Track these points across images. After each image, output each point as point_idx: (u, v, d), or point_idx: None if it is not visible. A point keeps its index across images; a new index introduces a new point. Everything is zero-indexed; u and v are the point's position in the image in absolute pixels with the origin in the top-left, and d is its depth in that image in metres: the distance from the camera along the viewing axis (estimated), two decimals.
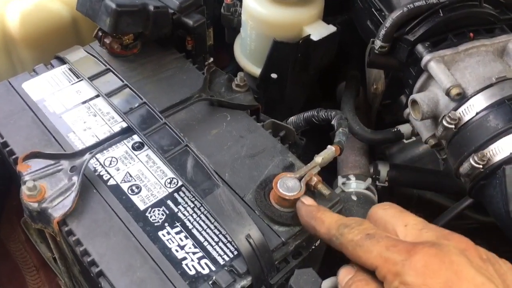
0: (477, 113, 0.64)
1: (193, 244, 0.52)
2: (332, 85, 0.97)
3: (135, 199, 0.55)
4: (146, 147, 0.59)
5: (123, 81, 0.63)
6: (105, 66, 0.65)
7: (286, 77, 0.77)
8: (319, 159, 0.57)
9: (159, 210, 0.54)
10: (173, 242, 0.52)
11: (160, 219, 0.54)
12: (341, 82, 0.95)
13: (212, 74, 0.67)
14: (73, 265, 0.64)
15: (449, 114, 0.64)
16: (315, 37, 0.73)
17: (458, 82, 0.65)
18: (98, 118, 0.62)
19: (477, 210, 0.88)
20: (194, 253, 0.51)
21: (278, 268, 0.53)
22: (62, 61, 0.68)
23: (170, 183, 0.57)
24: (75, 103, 0.63)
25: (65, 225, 0.53)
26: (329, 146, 0.59)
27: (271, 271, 0.51)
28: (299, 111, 0.73)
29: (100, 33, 0.67)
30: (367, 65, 0.75)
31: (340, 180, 0.80)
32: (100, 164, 0.58)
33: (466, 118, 0.64)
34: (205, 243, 0.52)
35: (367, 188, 0.79)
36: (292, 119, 0.72)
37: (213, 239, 0.52)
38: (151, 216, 0.54)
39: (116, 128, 0.60)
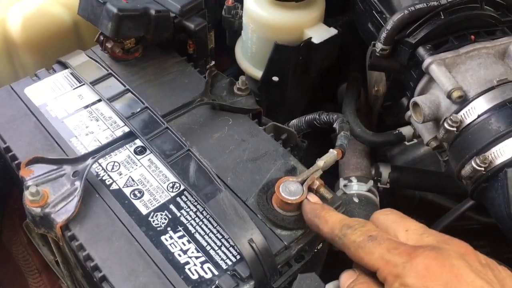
0: (478, 116, 0.64)
1: (195, 249, 0.52)
2: (334, 87, 0.97)
3: (137, 203, 0.55)
4: (148, 151, 0.59)
5: (125, 86, 0.63)
6: (107, 70, 0.65)
7: (287, 80, 0.77)
8: (321, 163, 0.57)
9: (161, 215, 0.54)
10: (176, 247, 0.52)
11: (163, 223, 0.54)
12: (342, 84, 0.95)
13: (214, 78, 0.67)
14: (76, 269, 0.65)
15: (451, 117, 0.64)
16: (316, 40, 0.73)
17: (459, 85, 0.65)
18: (100, 123, 0.62)
19: (478, 211, 0.89)
20: (197, 258, 0.51)
21: (281, 272, 0.53)
22: (64, 65, 0.68)
23: (172, 187, 0.57)
24: (77, 108, 0.64)
25: (68, 230, 0.53)
26: (331, 149, 0.59)
27: (273, 275, 0.51)
28: (301, 114, 0.73)
29: (101, 38, 0.67)
30: (368, 67, 0.75)
31: (342, 182, 0.80)
32: (103, 168, 0.58)
33: (467, 120, 0.64)
34: (208, 248, 0.52)
35: (369, 190, 0.79)
36: (293, 122, 0.72)
37: (215, 243, 0.53)
38: (153, 221, 0.54)
39: (119, 133, 0.61)
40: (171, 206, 0.55)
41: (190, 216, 0.54)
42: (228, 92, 0.66)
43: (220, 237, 0.53)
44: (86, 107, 0.64)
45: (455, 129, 0.64)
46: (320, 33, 0.73)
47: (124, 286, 0.49)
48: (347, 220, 0.48)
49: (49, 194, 0.54)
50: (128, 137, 0.60)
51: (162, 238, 0.53)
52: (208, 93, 0.64)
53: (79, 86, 0.66)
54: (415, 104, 0.69)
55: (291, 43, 0.74)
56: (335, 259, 0.63)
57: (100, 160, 0.58)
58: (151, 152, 0.59)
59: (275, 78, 0.77)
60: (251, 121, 0.64)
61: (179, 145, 0.57)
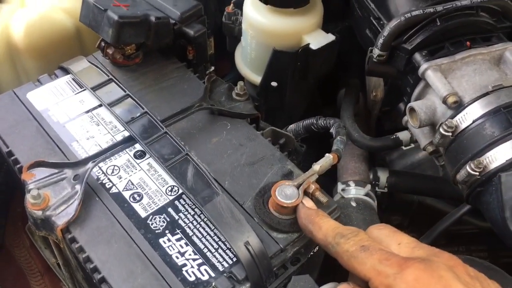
0: (473, 121, 0.64)
1: (193, 251, 0.53)
2: (333, 92, 0.98)
3: (136, 206, 0.56)
4: (147, 155, 0.60)
5: (125, 91, 0.64)
6: (108, 76, 0.66)
7: (286, 85, 0.78)
8: (317, 167, 0.58)
9: (160, 218, 0.55)
10: (174, 249, 0.53)
11: (161, 226, 0.55)
12: (341, 90, 0.96)
13: (213, 83, 0.68)
14: (76, 271, 0.66)
15: (446, 122, 0.65)
16: (314, 46, 0.74)
17: (455, 91, 0.66)
18: (101, 127, 0.63)
19: (476, 215, 0.89)
20: (194, 260, 0.52)
21: (277, 274, 0.54)
22: (66, 71, 0.69)
23: (171, 191, 0.58)
24: (79, 113, 0.65)
25: (68, 233, 0.54)
26: (327, 154, 0.60)
27: (269, 277, 0.52)
28: (299, 119, 0.74)
29: (103, 44, 0.68)
30: (366, 73, 0.76)
31: (340, 186, 0.81)
32: (103, 172, 0.59)
33: (462, 126, 0.65)
34: (205, 250, 0.53)
35: (367, 194, 0.80)
36: (291, 126, 0.73)
37: (212, 246, 0.53)
38: (152, 224, 0.55)
39: (119, 137, 0.62)
40: (170, 209, 0.56)
41: (188, 219, 0.56)
42: (227, 97, 0.67)
43: (217, 239, 0.54)
44: (87, 112, 0.65)
45: (450, 134, 0.65)
46: (318, 39, 0.74)
47: (123, 287, 0.50)
48: (340, 228, 0.49)
49: (50, 197, 0.55)
50: (128, 141, 0.61)
51: (160, 240, 0.54)
52: (207, 98, 0.65)
53: (81, 91, 0.67)
54: (412, 109, 0.70)
55: (290, 49, 0.75)
56: (332, 263, 0.64)
57: (101, 164, 0.59)
58: (150, 156, 0.60)
59: (274, 84, 0.78)
60: (249, 126, 0.65)
61: (177, 149, 0.58)
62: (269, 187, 0.57)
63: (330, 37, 0.75)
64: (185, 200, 0.57)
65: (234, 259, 0.52)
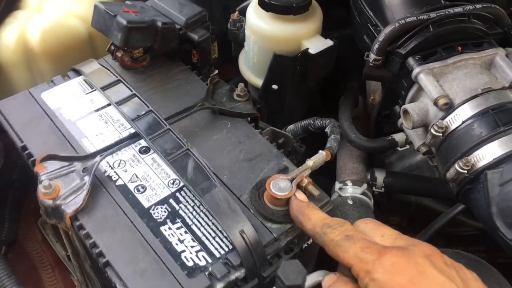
0: (463, 122, 0.67)
1: (192, 239, 0.57)
2: (334, 97, 1.02)
3: (140, 197, 0.60)
4: (152, 151, 0.64)
5: (132, 91, 0.68)
6: (116, 77, 0.71)
7: (286, 88, 0.82)
8: (310, 162, 0.61)
9: (162, 208, 0.59)
10: (174, 237, 0.57)
11: (163, 215, 0.59)
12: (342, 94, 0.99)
13: (215, 85, 0.72)
14: (84, 260, 0.69)
15: (437, 123, 0.68)
16: (312, 50, 0.77)
17: (445, 93, 0.69)
18: (109, 125, 0.67)
19: (472, 216, 0.91)
20: (192, 247, 0.56)
21: (271, 262, 0.57)
22: (78, 73, 0.74)
23: (173, 183, 0.62)
24: (89, 111, 0.69)
25: (76, 220, 0.58)
26: (320, 151, 0.63)
27: (263, 264, 0.56)
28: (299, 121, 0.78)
29: (112, 47, 0.72)
30: (363, 77, 0.79)
31: (337, 185, 0.84)
32: (110, 166, 0.63)
33: (452, 126, 0.68)
34: (203, 238, 0.57)
35: (363, 193, 0.83)
36: (290, 127, 0.77)
37: (210, 234, 0.57)
38: (154, 213, 0.59)
39: (125, 134, 0.66)
40: (171, 201, 0.60)
41: (188, 209, 0.59)
42: (228, 98, 0.71)
43: (214, 229, 0.57)
44: (97, 110, 0.69)
45: (441, 134, 0.68)
46: (316, 44, 0.78)
47: (126, 271, 0.54)
48: (328, 219, 0.53)
49: (61, 188, 0.60)
50: (133, 137, 0.65)
51: (162, 228, 0.57)
52: (209, 99, 0.69)
53: (91, 91, 0.72)
54: (405, 111, 0.73)
55: (290, 53, 0.78)
56: (328, 259, 0.67)
57: (108, 158, 0.63)
58: (154, 152, 0.64)
59: (275, 86, 0.82)
60: (248, 125, 0.69)
61: (179, 144, 0.62)
62: (265, 181, 0.61)
63: (329, 42, 0.79)
64: (185, 193, 0.61)
65: (230, 247, 0.56)
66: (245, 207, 0.59)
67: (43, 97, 0.71)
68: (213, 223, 0.58)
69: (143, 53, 0.73)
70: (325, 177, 0.83)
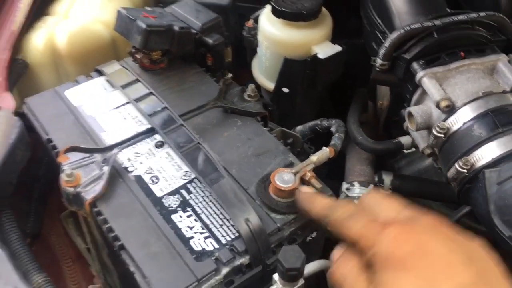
0: (464, 123, 0.70)
1: (200, 226, 0.60)
2: (345, 103, 1.05)
3: (154, 187, 0.64)
4: (166, 145, 0.69)
5: (149, 89, 0.73)
6: (135, 77, 0.76)
7: (296, 92, 0.86)
8: (314, 158, 0.65)
9: (174, 197, 0.63)
10: (184, 224, 0.61)
11: (175, 204, 0.63)
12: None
13: (228, 86, 0.76)
14: (102, 249, 0.74)
15: (439, 124, 0.71)
16: (321, 55, 0.81)
17: (447, 96, 0.72)
18: (127, 121, 0.72)
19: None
20: (201, 233, 0.60)
21: (275, 251, 0.60)
22: (100, 73, 0.79)
23: (184, 175, 0.66)
24: (109, 108, 0.74)
25: (95, 207, 0.63)
26: (324, 147, 0.67)
27: (267, 252, 0.59)
28: None
29: (133, 50, 0.78)
30: (370, 81, 0.83)
31: (345, 185, 0.87)
32: (127, 158, 0.67)
33: (454, 128, 0.71)
34: (211, 226, 0.61)
35: None
36: (299, 127, 0.81)
37: (218, 222, 0.61)
38: (166, 202, 0.63)
39: (142, 129, 0.70)
40: (182, 191, 0.64)
41: (198, 199, 0.63)
42: (239, 98, 0.75)
43: (222, 217, 0.61)
44: (117, 108, 0.74)
45: (442, 135, 0.71)
46: (325, 50, 0.82)
47: (139, 254, 0.58)
48: (332, 202, 0.56)
49: (81, 177, 0.64)
50: (149, 132, 0.70)
51: (173, 216, 0.61)
52: (221, 98, 0.74)
53: (112, 90, 0.77)
54: (410, 114, 0.76)
55: (300, 58, 0.82)
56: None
57: (125, 151, 0.68)
58: (168, 146, 0.68)
59: (285, 90, 0.86)
60: (258, 123, 0.73)
61: (191, 139, 0.66)
62: (270, 174, 0.64)
63: (337, 48, 0.83)
64: (196, 184, 0.65)
65: (236, 235, 0.59)
66: (251, 198, 0.63)
67: (68, 95, 0.76)
68: (221, 213, 0.62)
69: (161, 55, 0.78)
70: (332, 179, 0.86)
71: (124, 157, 0.67)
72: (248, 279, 0.58)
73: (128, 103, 0.74)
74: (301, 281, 0.55)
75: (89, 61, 0.88)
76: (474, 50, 0.77)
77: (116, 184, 0.64)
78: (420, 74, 0.75)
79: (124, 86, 0.74)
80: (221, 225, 0.61)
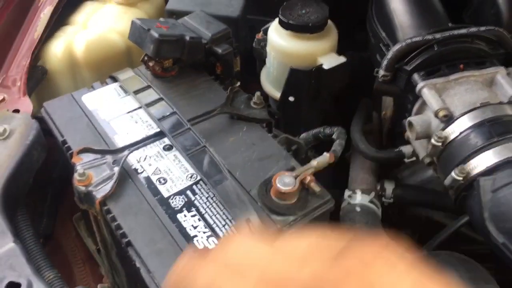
0: (460, 133, 0.73)
1: (204, 225, 0.63)
2: (350, 114, 1.08)
3: (161, 188, 0.68)
4: (174, 148, 0.72)
5: (159, 95, 0.77)
6: (147, 83, 0.80)
7: (301, 100, 0.89)
8: (314, 162, 0.68)
9: (179, 198, 0.66)
10: (188, 223, 0.64)
11: (180, 204, 0.66)
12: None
13: (235, 93, 0.79)
14: (111, 249, 0.77)
15: (437, 133, 0.73)
16: (326, 66, 0.84)
17: (446, 106, 0.75)
18: (138, 125, 0.76)
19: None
20: (204, 232, 0.63)
21: None
22: (115, 79, 0.83)
23: (190, 177, 0.69)
24: (122, 113, 0.78)
25: (104, 205, 0.66)
26: (325, 153, 0.70)
27: None
28: None
29: (145, 58, 0.81)
30: (373, 91, 0.86)
31: (347, 193, 0.89)
32: (136, 160, 0.71)
33: (451, 137, 0.73)
34: (214, 225, 0.63)
35: (371, 201, 0.88)
36: (303, 135, 0.84)
37: (220, 222, 0.64)
38: (172, 202, 0.66)
39: (151, 132, 0.74)
40: (188, 192, 0.67)
41: (203, 200, 0.66)
42: (246, 105, 0.78)
43: (225, 218, 0.64)
44: (129, 112, 0.78)
45: (440, 144, 0.74)
46: (330, 61, 0.85)
47: (145, 250, 0.61)
48: None
49: (93, 177, 0.68)
50: (158, 135, 0.73)
51: (178, 215, 0.65)
52: (228, 105, 0.77)
53: (125, 96, 0.81)
54: (410, 123, 0.79)
55: (305, 68, 0.86)
56: None
57: (135, 153, 0.71)
58: (175, 147, 0.71)
59: (291, 98, 0.89)
60: (263, 129, 0.76)
61: (197, 142, 0.70)
62: (272, 177, 0.67)
63: (341, 59, 0.86)
64: (201, 186, 0.68)
65: None
66: (253, 200, 0.66)
67: (83, 100, 0.80)
68: (223, 213, 0.65)
69: (172, 63, 0.82)
70: (336, 187, 0.89)
71: (134, 158, 0.71)
72: None
73: (139, 108, 0.78)
74: None
75: (105, 68, 0.92)
76: (474, 62, 0.80)
77: (125, 184, 0.68)
78: (420, 85, 0.78)
79: (136, 92, 0.78)
80: (223, 225, 0.64)
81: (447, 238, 0.88)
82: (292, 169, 0.70)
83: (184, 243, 0.62)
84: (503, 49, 0.82)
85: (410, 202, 0.94)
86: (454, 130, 0.73)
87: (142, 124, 0.76)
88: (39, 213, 1.01)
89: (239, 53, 0.87)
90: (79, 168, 0.68)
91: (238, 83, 0.88)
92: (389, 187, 0.92)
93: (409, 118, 0.79)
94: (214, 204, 0.66)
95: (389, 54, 0.82)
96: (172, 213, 0.65)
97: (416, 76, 0.79)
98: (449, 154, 0.73)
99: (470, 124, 0.72)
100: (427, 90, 0.77)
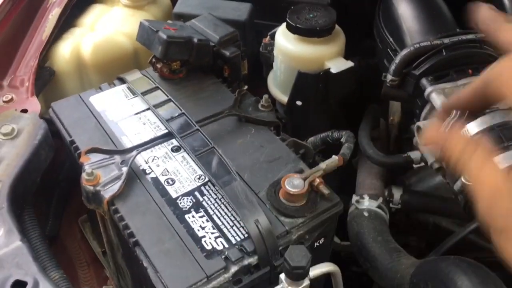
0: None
1: (212, 226, 0.63)
2: (358, 120, 1.08)
3: (169, 189, 0.67)
4: (182, 150, 0.72)
5: (167, 96, 0.77)
6: (155, 85, 0.80)
7: (309, 105, 0.89)
8: (323, 165, 0.67)
9: (187, 198, 0.66)
10: (196, 224, 0.63)
11: (188, 205, 0.66)
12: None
13: (243, 96, 0.80)
14: (117, 250, 0.77)
15: None
16: (333, 70, 0.84)
17: None
18: (146, 126, 0.76)
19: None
20: (212, 233, 0.62)
21: (282, 254, 0.62)
22: (122, 81, 0.83)
23: (199, 178, 0.69)
24: (130, 114, 0.78)
25: (112, 205, 0.66)
26: (333, 156, 0.69)
27: (275, 254, 0.61)
28: None
29: (153, 59, 0.82)
30: (381, 96, 0.85)
31: (355, 198, 0.89)
32: (145, 160, 0.71)
33: None
34: (222, 226, 0.63)
35: (378, 207, 0.87)
36: (311, 139, 0.83)
37: (228, 223, 0.63)
38: (180, 203, 0.66)
39: (160, 133, 0.74)
40: (196, 193, 0.67)
41: (211, 201, 0.66)
42: (253, 108, 0.78)
43: (233, 219, 0.64)
44: (137, 113, 0.78)
45: None
46: (337, 65, 0.85)
47: (152, 250, 0.61)
48: None
49: (101, 177, 0.67)
50: (166, 136, 0.73)
51: (186, 216, 0.64)
52: (236, 107, 0.77)
53: (133, 97, 0.80)
54: (418, 128, 0.78)
55: (313, 72, 0.86)
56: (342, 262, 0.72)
57: (143, 154, 0.71)
58: (183, 149, 0.71)
59: (299, 103, 0.89)
60: (270, 132, 0.76)
61: (206, 143, 0.70)
62: (281, 180, 0.67)
63: (349, 64, 0.86)
64: (209, 187, 0.68)
65: (246, 235, 0.62)
66: (262, 202, 0.66)
67: (91, 101, 0.80)
68: (231, 214, 0.64)
69: (180, 65, 0.82)
70: (343, 193, 0.88)
71: (142, 159, 0.71)
72: (256, 279, 0.60)
73: (147, 109, 0.78)
74: (307, 281, 0.57)
75: (112, 70, 0.92)
76: (482, 67, 0.79)
77: (133, 184, 0.68)
78: (428, 89, 0.77)
79: (144, 93, 0.78)
80: (231, 226, 0.63)
81: (455, 244, 0.87)
82: (300, 171, 0.70)
83: (191, 243, 0.61)
84: None
85: (417, 208, 0.94)
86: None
87: (150, 126, 0.76)
88: (45, 214, 1.00)
89: (246, 56, 0.87)
90: (87, 168, 0.68)
91: (246, 87, 0.88)
92: (397, 193, 0.92)
93: (417, 123, 0.78)
94: (222, 205, 0.66)
95: (397, 59, 0.82)
96: (180, 213, 0.65)
97: (424, 81, 0.79)
98: None
99: (479, 129, 0.72)
100: (435, 95, 0.77)
